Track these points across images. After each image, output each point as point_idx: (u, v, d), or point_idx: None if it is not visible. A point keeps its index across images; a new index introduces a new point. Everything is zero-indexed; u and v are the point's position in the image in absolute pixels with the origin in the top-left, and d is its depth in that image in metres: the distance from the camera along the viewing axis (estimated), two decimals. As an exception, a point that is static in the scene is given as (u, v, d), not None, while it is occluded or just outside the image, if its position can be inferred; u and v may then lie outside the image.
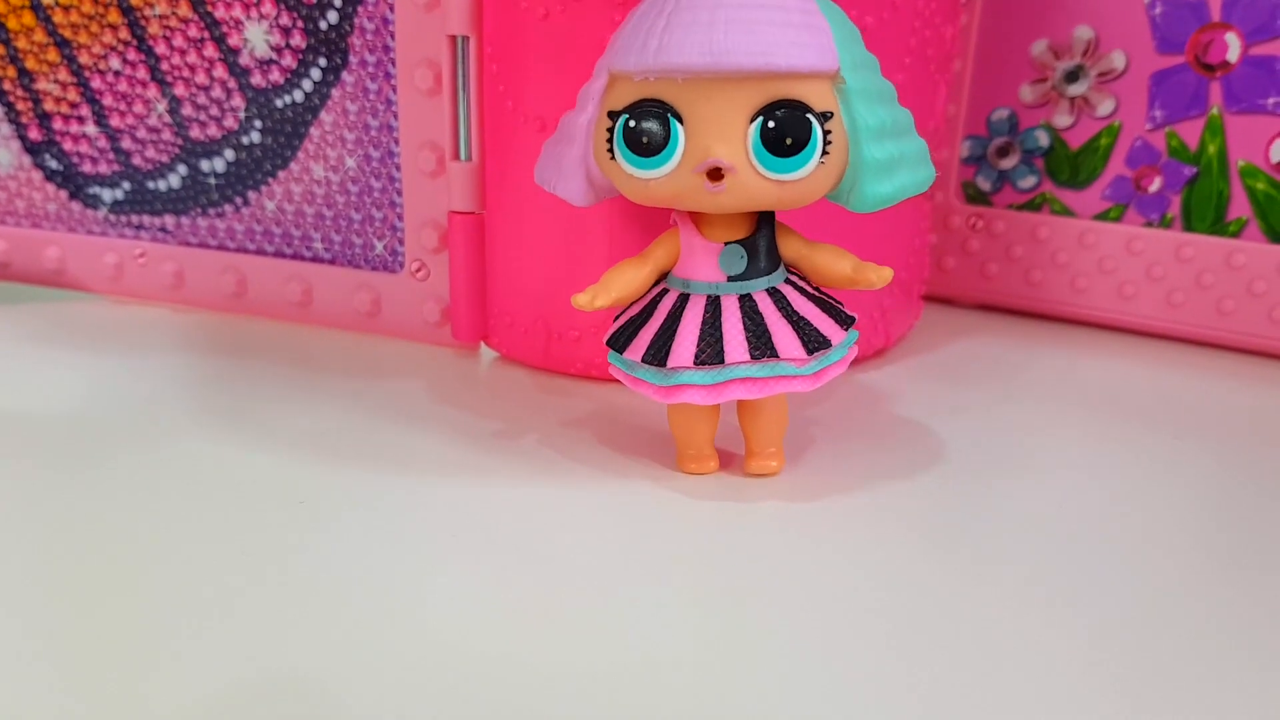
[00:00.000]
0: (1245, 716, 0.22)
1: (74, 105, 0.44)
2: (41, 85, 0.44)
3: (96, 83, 0.43)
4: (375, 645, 0.24)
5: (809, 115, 0.27)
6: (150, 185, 0.44)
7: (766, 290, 0.30)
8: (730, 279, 0.29)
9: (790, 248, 0.30)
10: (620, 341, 0.31)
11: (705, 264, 0.30)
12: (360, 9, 0.38)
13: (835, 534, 0.29)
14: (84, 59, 0.43)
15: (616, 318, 0.31)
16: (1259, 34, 0.40)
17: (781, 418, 0.31)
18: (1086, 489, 0.32)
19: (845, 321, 0.30)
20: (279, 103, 0.41)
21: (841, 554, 0.28)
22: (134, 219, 0.45)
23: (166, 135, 0.43)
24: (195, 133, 0.43)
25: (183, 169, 0.43)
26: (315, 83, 0.40)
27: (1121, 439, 0.35)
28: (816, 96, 0.27)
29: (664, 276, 0.31)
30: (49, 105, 0.44)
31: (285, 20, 0.40)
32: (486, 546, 0.28)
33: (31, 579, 0.26)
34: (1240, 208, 0.42)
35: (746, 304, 0.29)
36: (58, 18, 0.43)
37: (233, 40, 0.41)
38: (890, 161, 0.28)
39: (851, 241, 0.32)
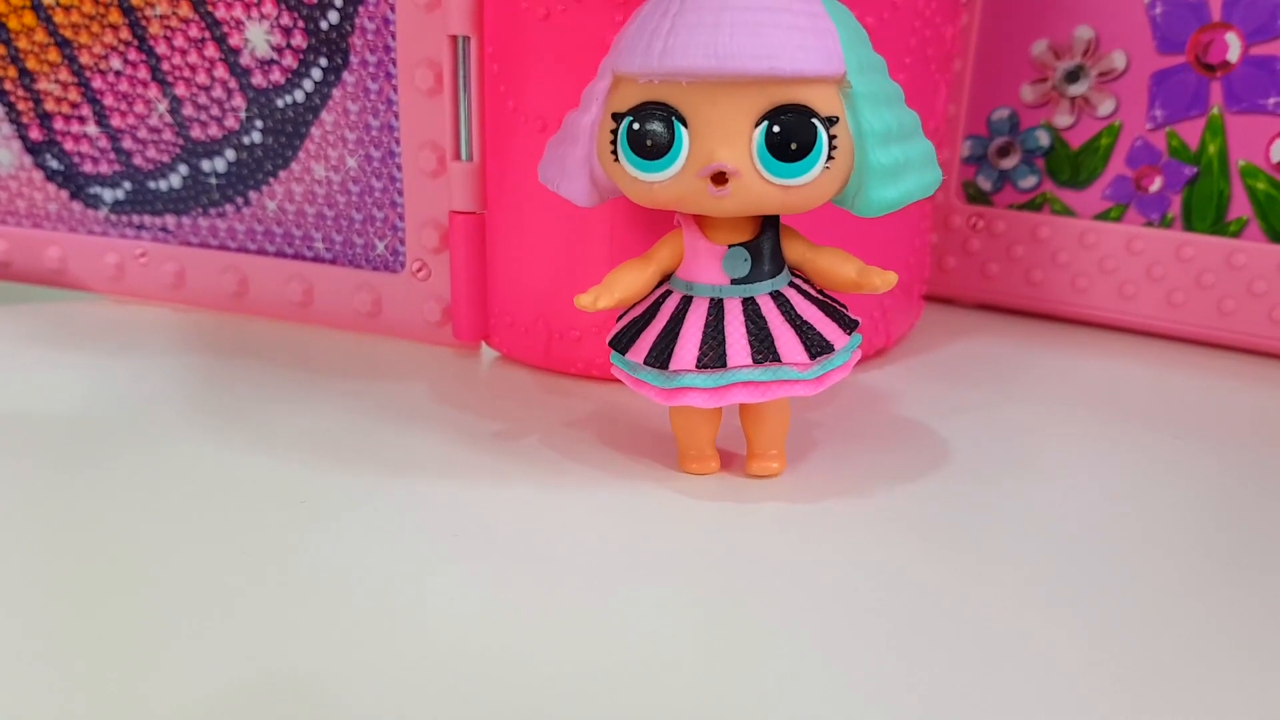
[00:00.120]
0: (1245, 716, 0.22)
1: (75, 105, 0.44)
2: (42, 85, 0.44)
3: (97, 83, 0.43)
4: (375, 645, 0.24)
5: (814, 120, 0.27)
6: (151, 185, 0.44)
7: (770, 293, 0.30)
8: (734, 282, 0.29)
9: (794, 251, 0.30)
10: (623, 342, 0.31)
11: (709, 266, 0.29)
12: (361, 9, 0.39)
13: (836, 534, 0.29)
14: (85, 59, 0.43)
15: (619, 318, 0.31)
16: (1259, 34, 0.40)
17: (784, 420, 0.31)
18: (1086, 489, 0.32)
19: (848, 325, 0.30)
20: (280, 103, 0.41)
21: (842, 554, 0.28)
22: (135, 219, 0.45)
23: (167, 135, 0.43)
24: (196, 133, 0.43)
25: (184, 169, 0.43)
26: (316, 83, 0.40)
27: (1122, 439, 0.35)
28: (822, 101, 0.27)
29: (667, 278, 0.31)
30: (50, 105, 0.44)
31: (286, 20, 0.40)
32: (487, 546, 0.28)
33: (31, 579, 0.26)
34: (1240, 207, 0.42)
35: (750, 307, 0.29)
36: (59, 18, 0.43)
37: (234, 40, 0.41)
38: (896, 166, 0.28)
39: (852, 241, 0.32)
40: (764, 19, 0.26)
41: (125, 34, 0.42)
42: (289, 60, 0.40)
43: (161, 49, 0.42)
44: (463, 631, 0.24)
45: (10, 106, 0.45)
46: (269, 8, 0.40)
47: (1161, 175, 0.43)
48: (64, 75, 0.43)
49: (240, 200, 0.43)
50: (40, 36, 0.43)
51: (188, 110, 0.42)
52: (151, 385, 0.38)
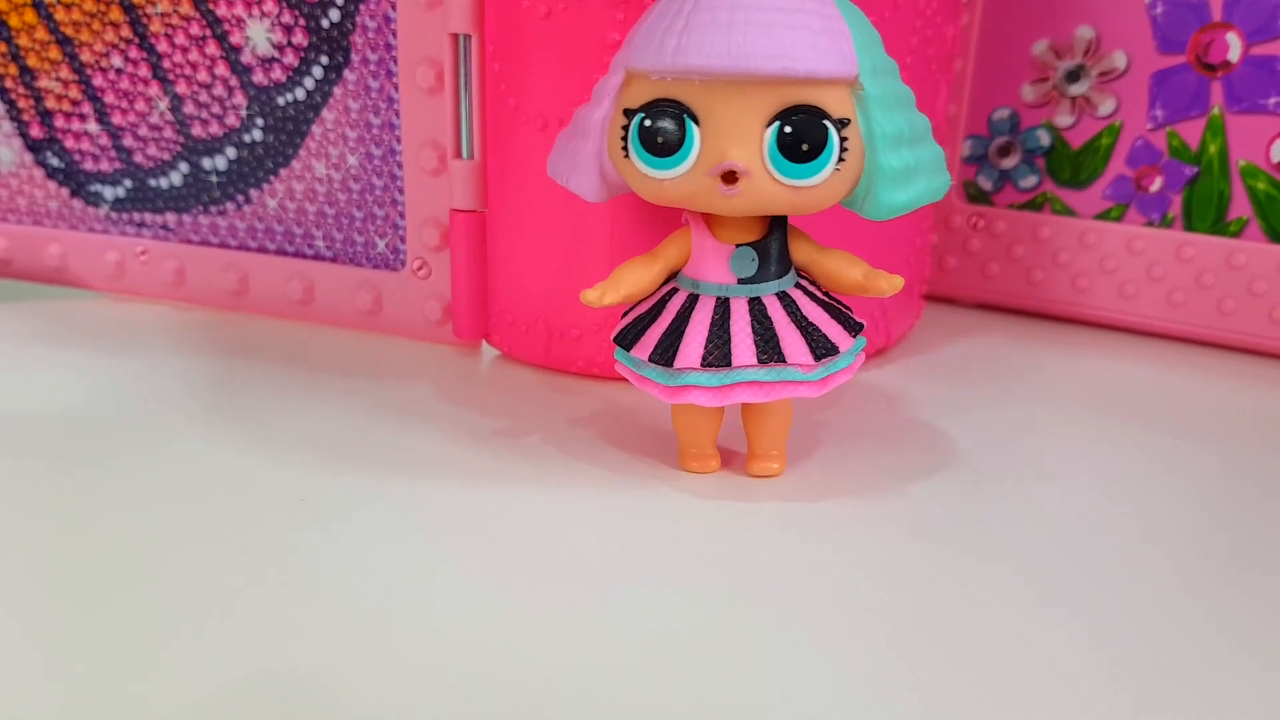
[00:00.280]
0: (1245, 716, 0.22)
1: (75, 103, 0.44)
2: (43, 83, 0.44)
3: (98, 80, 0.43)
4: (375, 645, 0.24)
5: (826, 121, 0.27)
6: (152, 183, 0.44)
7: (776, 294, 0.30)
8: (740, 281, 0.29)
9: (801, 252, 0.30)
10: (628, 339, 0.31)
11: (716, 265, 0.29)
12: (362, 7, 0.38)
13: (836, 534, 0.29)
14: (86, 57, 0.43)
15: (624, 315, 0.31)
16: (1260, 34, 0.40)
17: (785, 421, 0.31)
18: (1087, 489, 0.32)
19: (853, 328, 0.30)
20: (281, 100, 0.41)
21: (842, 554, 0.28)
22: (135, 217, 0.45)
23: (168, 133, 0.43)
24: (197, 130, 0.43)
25: (184, 167, 0.43)
26: (317, 80, 0.40)
27: (1122, 439, 0.35)
28: (834, 102, 0.27)
29: (673, 276, 0.31)
30: (50, 103, 0.44)
31: (287, 18, 0.40)
32: (487, 545, 0.28)
33: (31, 579, 0.26)
34: (1241, 207, 0.42)
35: (756, 307, 0.29)
36: (59, 15, 0.43)
37: (234, 38, 0.41)
38: (906, 170, 0.28)
39: (853, 241, 0.32)
40: (779, 19, 0.26)
41: (126, 31, 0.42)
42: (290, 58, 0.40)
43: (162, 47, 0.42)
44: (462, 630, 0.24)
45: (11, 104, 0.45)
46: (270, 5, 0.40)
47: (1162, 175, 0.43)
48: (65, 73, 0.43)
49: (241, 198, 0.43)
50: (41, 34, 0.43)
51: (188, 108, 0.42)
52: (152, 383, 0.38)
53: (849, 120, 0.27)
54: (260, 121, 0.42)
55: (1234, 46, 0.41)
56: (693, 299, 0.30)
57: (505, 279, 0.39)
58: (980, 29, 0.45)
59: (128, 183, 0.44)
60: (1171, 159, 0.43)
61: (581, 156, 0.30)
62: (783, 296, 0.30)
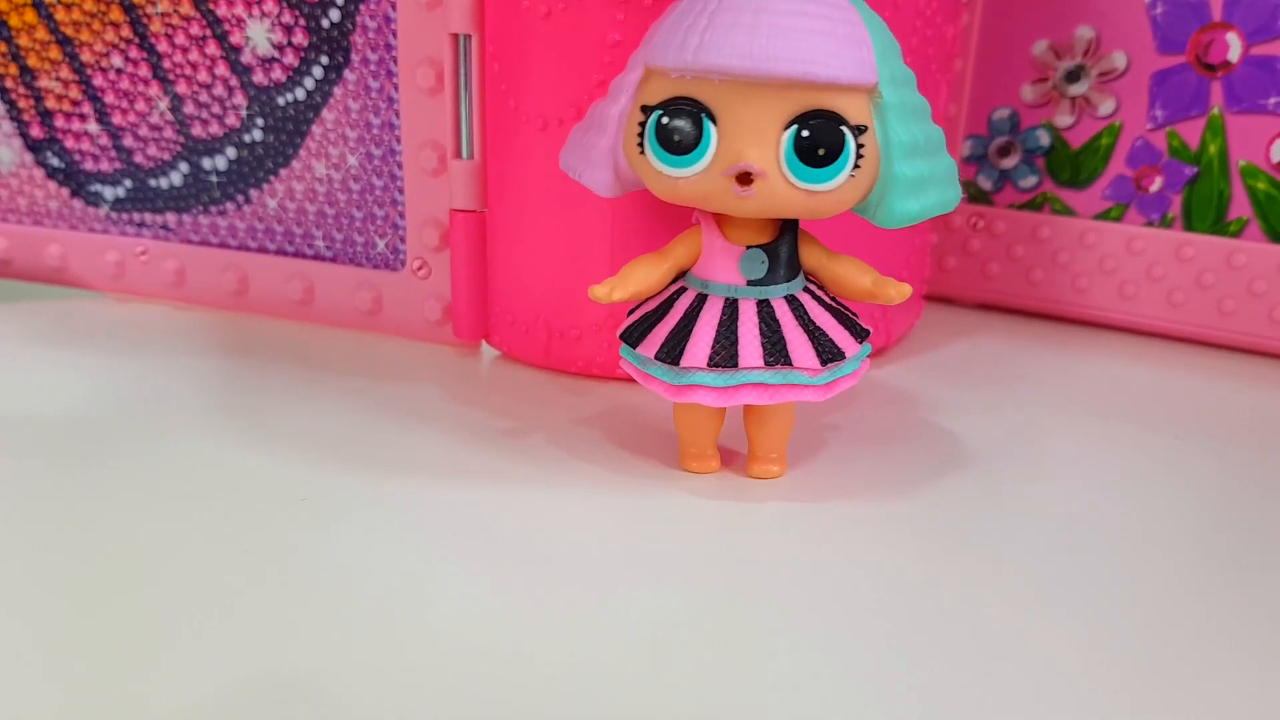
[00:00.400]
0: (1245, 716, 0.22)
1: (76, 103, 0.44)
2: (43, 83, 0.44)
3: (98, 80, 0.43)
4: (375, 645, 0.24)
5: (843, 127, 0.27)
6: (152, 183, 0.44)
7: (784, 297, 0.30)
8: (749, 283, 0.29)
9: (811, 256, 0.30)
10: (634, 336, 0.30)
11: (725, 266, 0.29)
12: (362, 7, 0.38)
13: (836, 534, 0.29)
14: (86, 56, 0.43)
15: (630, 312, 0.31)
16: (1260, 34, 0.40)
17: (787, 424, 0.31)
18: (1086, 489, 0.32)
19: (860, 334, 0.30)
20: (281, 100, 0.41)
21: (842, 554, 0.28)
22: (135, 217, 0.45)
23: (168, 133, 0.43)
24: (197, 130, 0.43)
25: (184, 167, 0.43)
26: (317, 81, 0.40)
27: (1122, 439, 0.35)
28: (853, 109, 0.27)
29: (682, 275, 0.31)
30: (50, 103, 0.44)
31: (287, 18, 0.40)
32: (487, 545, 0.28)
33: (31, 579, 0.26)
34: (1241, 207, 0.42)
35: (764, 310, 0.29)
36: (59, 15, 0.43)
37: (234, 38, 0.41)
38: (920, 180, 0.28)
39: (854, 240, 0.32)
40: (801, 24, 0.26)
41: (126, 31, 0.42)
42: (290, 58, 0.40)
43: (162, 47, 0.42)
44: (462, 630, 0.24)
45: (11, 104, 0.45)
46: (270, 6, 0.40)
47: (1162, 175, 0.43)
48: (65, 73, 0.43)
49: (241, 198, 0.43)
50: (41, 34, 0.43)
51: (189, 108, 0.42)
52: (152, 383, 0.38)
53: (866, 127, 0.27)
54: (260, 121, 0.42)
55: (1234, 46, 0.41)
56: (701, 298, 0.30)
57: (505, 279, 0.39)
58: (980, 29, 0.45)
59: (128, 183, 0.44)
60: (1171, 159, 0.43)
61: (596, 151, 0.30)
62: (791, 300, 0.30)
